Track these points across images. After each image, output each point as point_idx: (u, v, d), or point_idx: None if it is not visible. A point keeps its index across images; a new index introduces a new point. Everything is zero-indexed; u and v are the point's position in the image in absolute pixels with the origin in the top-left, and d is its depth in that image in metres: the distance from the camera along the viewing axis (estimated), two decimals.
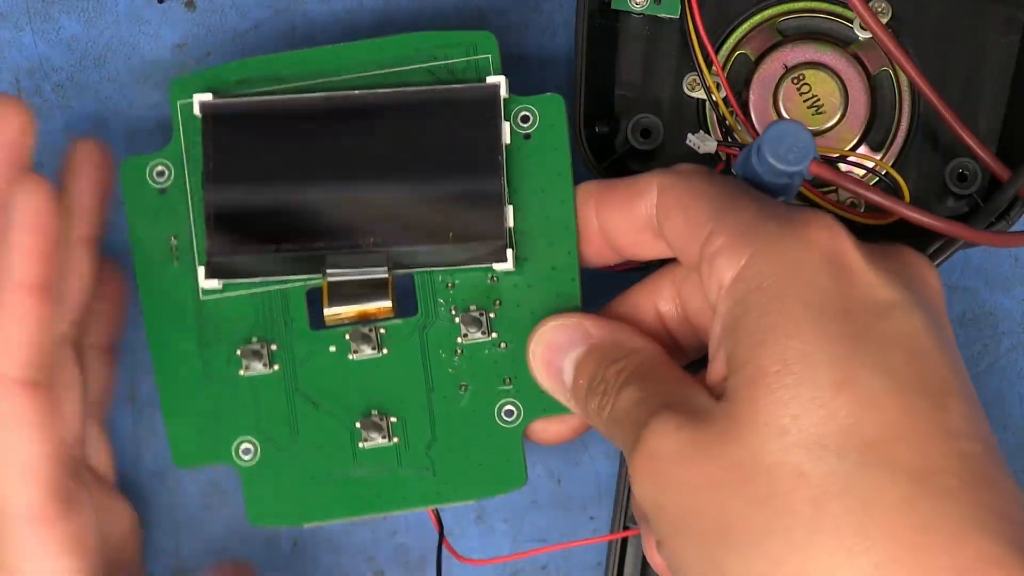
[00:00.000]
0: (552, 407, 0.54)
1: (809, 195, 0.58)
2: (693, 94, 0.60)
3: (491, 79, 0.54)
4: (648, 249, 0.53)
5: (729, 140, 0.59)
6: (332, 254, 0.53)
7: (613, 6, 0.59)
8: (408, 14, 0.62)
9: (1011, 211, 0.57)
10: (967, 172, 0.59)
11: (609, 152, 0.60)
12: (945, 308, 0.50)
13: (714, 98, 0.59)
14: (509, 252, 0.53)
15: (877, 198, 0.52)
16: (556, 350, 0.52)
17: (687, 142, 0.59)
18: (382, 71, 0.54)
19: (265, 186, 0.53)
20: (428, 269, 0.54)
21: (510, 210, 0.53)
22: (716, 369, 0.48)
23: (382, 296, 0.53)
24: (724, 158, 0.58)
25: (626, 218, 0.52)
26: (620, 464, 0.60)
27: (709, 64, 0.59)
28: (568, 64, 0.60)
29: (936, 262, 0.56)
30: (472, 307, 0.54)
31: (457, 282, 0.54)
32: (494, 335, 0.54)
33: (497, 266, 0.53)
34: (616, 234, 0.53)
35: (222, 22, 0.62)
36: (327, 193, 0.53)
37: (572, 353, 0.52)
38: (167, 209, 0.54)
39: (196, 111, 0.54)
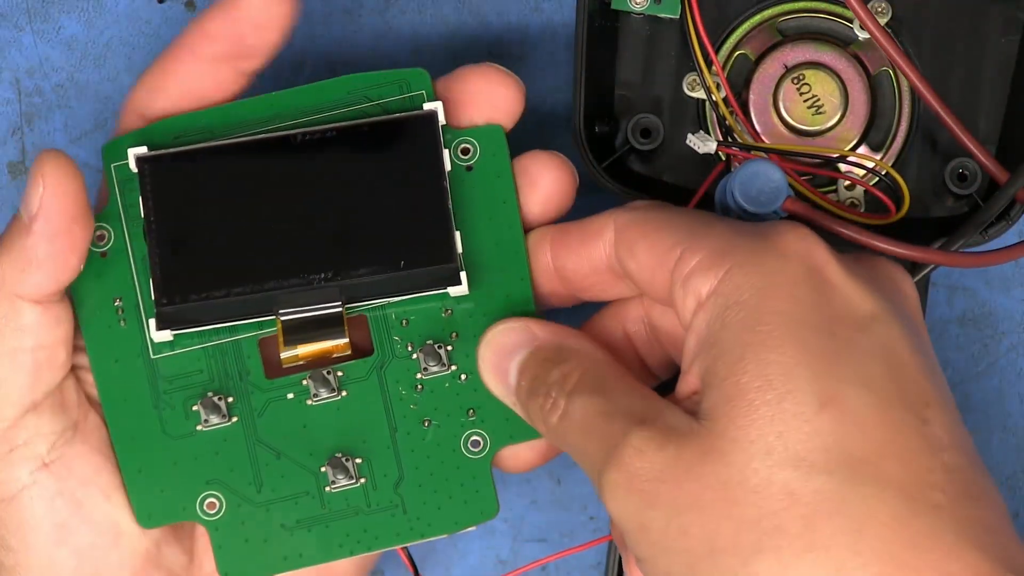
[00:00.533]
0: (519, 434, 0.54)
1: (809, 195, 0.58)
2: (693, 94, 0.60)
3: (428, 105, 0.53)
4: (609, 290, 0.53)
5: (729, 140, 0.59)
6: (284, 293, 0.53)
7: (613, 6, 0.59)
8: (408, 13, 0.62)
9: (1010, 212, 0.57)
10: (967, 172, 0.59)
11: (609, 152, 0.60)
12: (922, 316, 0.50)
13: (714, 98, 0.59)
14: (463, 275, 0.53)
15: (851, 233, 0.53)
16: (503, 354, 0.52)
17: (687, 142, 0.59)
18: (317, 116, 0.54)
19: (209, 231, 0.53)
20: (382, 303, 0.54)
21: (458, 235, 0.53)
22: (688, 383, 0.48)
23: (338, 332, 0.53)
24: (724, 158, 0.58)
25: (584, 260, 0.52)
26: None
27: (709, 64, 0.59)
28: (568, 64, 0.60)
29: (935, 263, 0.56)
30: (429, 342, 0.54)
31: (412, 318, 0.54)
32: (453, 367, 0.54)
33: (452, 291, 0.53)
34: (574, 277, 0.53)
35: None
36: (273, 232, 0.53)
37: (517, 356, 0.52)
38: (110, 272, 0.53)
39: (132, 166, 0.53)
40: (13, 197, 0.62)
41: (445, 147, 0.54)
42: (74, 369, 0.54)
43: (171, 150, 0.53)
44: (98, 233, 0.53)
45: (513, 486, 0.62)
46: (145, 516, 0.53)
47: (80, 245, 0.52)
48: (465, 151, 0.54)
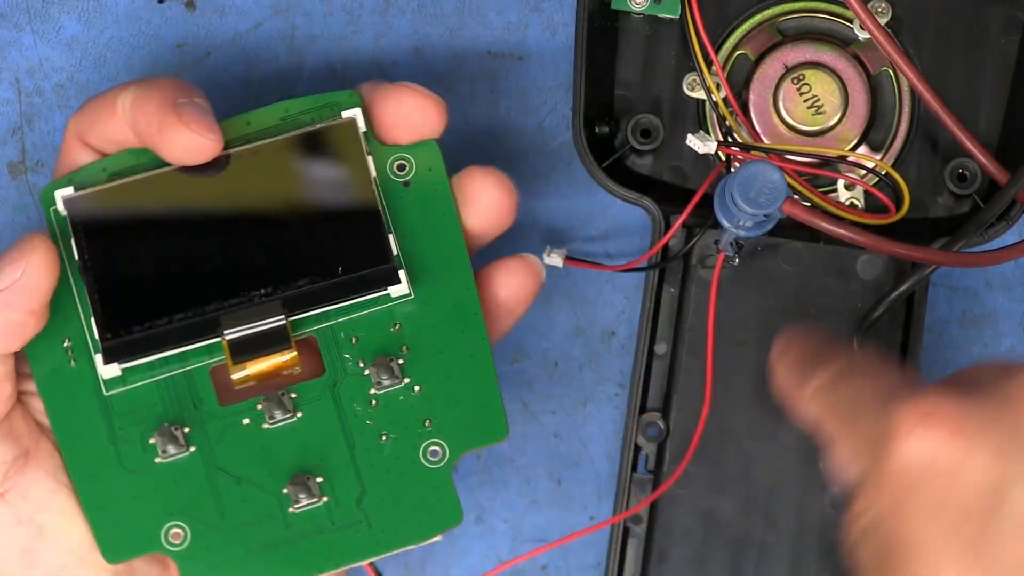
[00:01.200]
0: (477, 439, 0.54)
1: (809, 195, 0.58)
2: (693, 94, 0.60)
3: (346, 113, 0.54)
4: None
5: (729, 140, 0.59)
6: (226, 313, 0.53)
7: (613, 6, 0.59)
8: (408, 13, 0.62)
9: (1010, 213, 0.57)
10: (967, 172, 0.59)
11: (609, 152, 0.60)
12: None
13: (714, 98, 0.59)
14: (402, 273, 0.53)
15: (849, 234, 0.53)
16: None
17: (687, 142, 0.59)
18: (251, 145, 0.54)
19: (145, 261, 0.53)
20: (329, 321, 0.53)
21: (393, 237, 0.53)
22: None
23: (285, 346, 0.53)
24: (724, 158, 0.58)
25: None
26: (620, 464, 0.60)
27: (709, 64, 0.59)
28: (568, 64, 0.60)
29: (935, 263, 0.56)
30: (380, 356, 0.54)
31: (361, 335, 0.54)
32: (407, 380, 0.54)
33: (393, 291, 0.53)
34: None
35: (222, 22, 0.62)
36: (210, 254, 0.53)
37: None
38: (57, 314, 0.53)
39: (60, 208, 0.53)
40: (13, 197, 0.62)
41: (381, 163, 0.54)
42: (22, 396, 0.54)
43: (96, 188, 0.53)
44: None
45: (513, 486, 0.62)
46: (110, 551, 0.53)
47: (27, 335, 0.52)
48: (401, 167, 0.54)
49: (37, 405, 0.54)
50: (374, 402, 0.54)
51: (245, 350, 0.53)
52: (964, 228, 0.56)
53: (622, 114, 0.60)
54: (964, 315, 0.62)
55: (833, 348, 0.52)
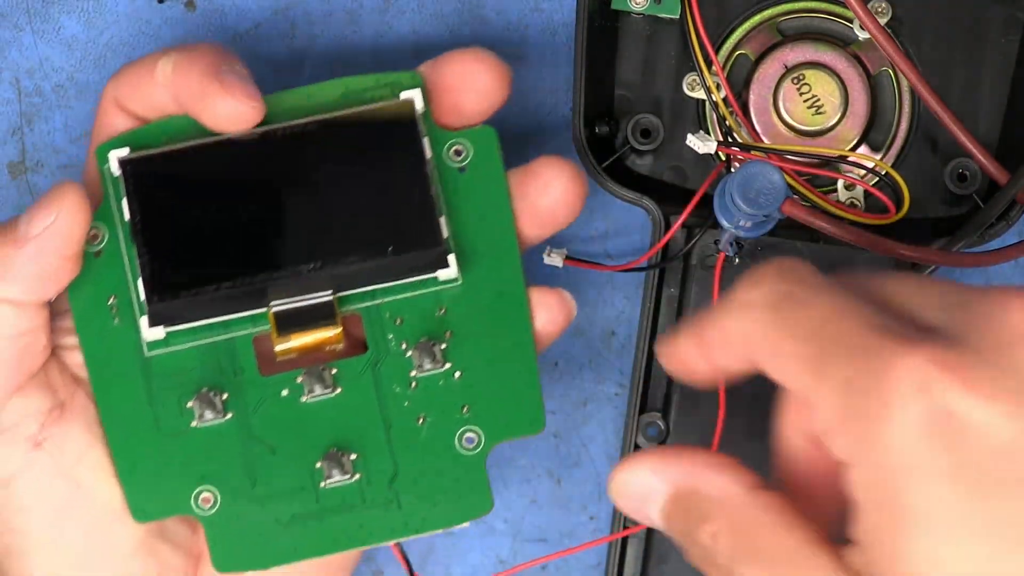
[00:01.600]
0: (514, 430, 0.54)
1: (809, 195, 0.58)
2: (693, 94, 0.60)
3: (405, 94, 0.54)
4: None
5: (729, 140, 0.59)
6: (274, 285, 0.53)
7: (613, 6, 0.59)
8: (408, 13, 0.62)
9: (1010, 213, 0.57)
10: (967, 172, 0.59)
11: (609, 152, 0.60)
12: None
13: (714, 98, 0.59)
14: (451, 258, 0.53)
15: (849, 235, 0.53)
16: (637, 501, 0.47)
17: (687, 142, 0.59)
18: (308, 119, 0.54)
19: (196, 227, 0.53)
20: (375, 299, 0.54)
21: (444, 220, 0.53)
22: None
23: (330, 321, 0.53)
24: (724, 158, 0.58)
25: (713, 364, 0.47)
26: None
27: (709, 64, 0.59)
28: (568, 64, 0.60)
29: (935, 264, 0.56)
30: (423, 339, 0.54)
31: (405, 316, 0.54)
32: (448, 365, 0.54)
33: (441, 275, 0.53)
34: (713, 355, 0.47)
35: (222, 22, 0.62)
36: (261, 225, 0.53)
37: (654, 504, 0.46)
38: (104, 270, 0.54)
39: (114, 169, 0.53)
40: (13, 197, 0.62)
41: (438, 147, 0.54)
42: (57, 349, 0.54)
43: (152, 151, 0.53)
44: (92, 232, 0.54)
45: (513, 486, 0.62)
46: (140, 511, 0.53)
47: (63, 281, 0.53)
48: (458, 152, 0.54)
49: (74, 359, 0.54)
50: (414, 384, 0.54)
51: (291, 323, 0.53)
52: (964, 228, 0.56)
53: (622, 114, 0.60)
54: None
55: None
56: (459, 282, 0.54)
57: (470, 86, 0.54)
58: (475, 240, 0.54)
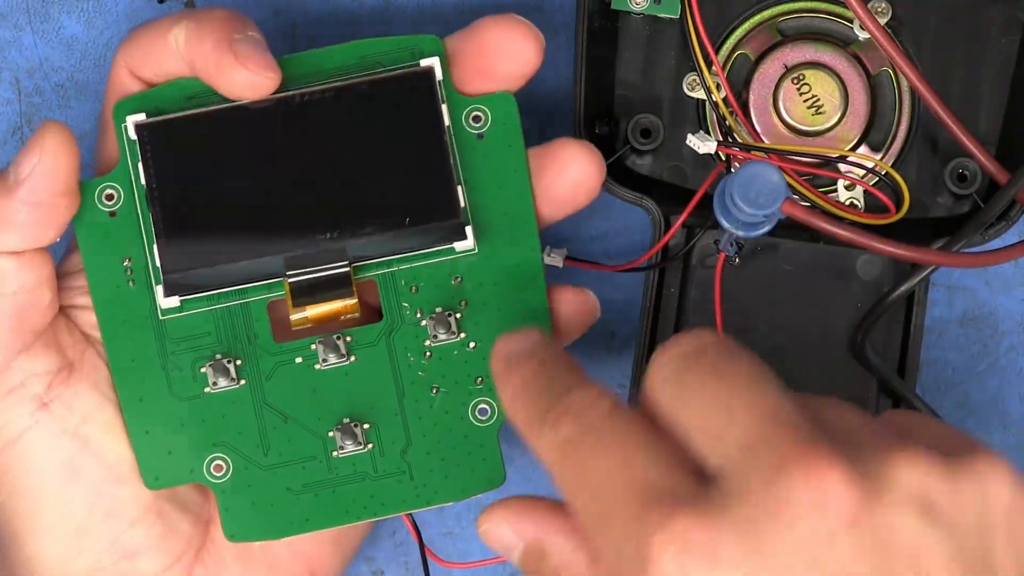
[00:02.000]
0: None
1: (809, 195, 0.58)
2: (693, 94, 0.60)
3: (425, 62, 0.54)
4: None
5: (729, 140, 0.59)
6: (290, 254, 0.53)
7: (613, 6, 0.59)
8: (408, 13, 0.62)
9: (1010, 213, 0.57)
10: (967, 172, 0.59)
11: (609, 152, 0.60)
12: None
13: (714, 98, 0.59)
14: (468, 229, 0.53)
15: (849, 235, 0.53)
16: (501, 550, 0.48)
17: (687, 142, 0.59)
18: (328, 81, 0.54)
19: (213, 196, 0.53)
20: (391, 267, 0.53)
21: (462, 190, 0.53)
22: None
23: (346, 292, 0.53)
24: (724, 158, 0.58)
25: None
26: None
27: (709, 64, 0.59)
28: (568, 64, 0.60)
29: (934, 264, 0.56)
30: (438, 309, 0.54)
31: (421, 284, 0.54)
32: (463, 335, 0.54)
33: (459, 246, 0.53)
34: None
35: None
36: (277, 194, 0.53)
37: (515, 553, 0.48)
38: (119, 232, 0.53)
39: (131, 133, 0.53)
40: None
41: (456, 114, 0.54)
42: (67, 309, 0.54)
43: (168, 116, 0.53)
44: (107, 192, 0.54)
45: (514, 486, 0.62)
46: (151, 477, 0.53)
47: (61, 219, 0.52)
48: (476, 119, 0.54)
49: (85, 319, 0.54)
50: (428, 354, 0.54)
51: (306, 293, 0.53)
52: (964, 228, 0.56)
53: (622, 114, 0.60)
54: (964, 315, 0.62)
55: (572, 380, 0.46)
56: (475, 252, 0.54)
57: (505, 50, 0.54)
58: (492, 209, 0.54)
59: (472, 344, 0.54)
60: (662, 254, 0.59)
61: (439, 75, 0.53)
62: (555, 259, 0.59)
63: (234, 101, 0.53)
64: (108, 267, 0.53)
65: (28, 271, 0.52)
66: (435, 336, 0.54)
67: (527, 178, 0.54)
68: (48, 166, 0.51)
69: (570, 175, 0.54)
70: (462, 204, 0.53)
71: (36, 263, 0.52)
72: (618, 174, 0.59)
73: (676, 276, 0.60)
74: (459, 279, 0.54)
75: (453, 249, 0.54)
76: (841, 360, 0.59)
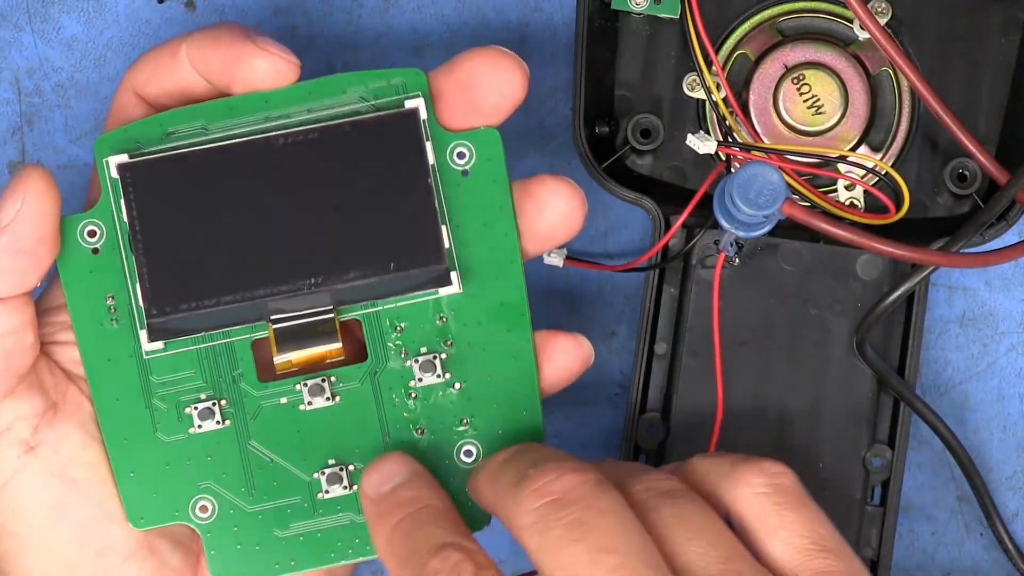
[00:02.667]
0: (512, 444, 0.53)
1: (809, 195, 0.58)
2: (693, 94, 0.60)
3: (409, 103, 0.53)
4: None
5: (729, 140, 0.59)
6: (274, 299, 0.52)
7: (613, 6, 0.59)
8: (408, 13, 0.62)
9: (1010, 213, 0.57)
10: (967, 172, 0.59)
11: (609, 152, 0.60)
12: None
13: (714, 98, 0.59)
14: (454, 275, 0.53)
15: (848, 235, 0.53)
16: None
17: (687, 142, 0.59)
18: (312, 115, 0.53)
19: (196, 239, 0.52)
20: (375, 309, 0.53)
21: (446, 231, 0.53)
22: None
23: (331, 337, 0.53)
24: (724, 158, 0.58)
25: None
26: None
27: (709, 64, 0.59)
28: (568, 64, 0.60)
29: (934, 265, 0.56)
30: (423, 349, 0.53)
31: (405, 324, 0.54)
32: (447, 376, 0.54)
33: (443, 291, 0.53)
34: None
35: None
36: (261, 237, 0.52)
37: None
38: (101, 269, 0.53)
39: (113, 173, 0.53)
40: None
41: (440, 150, 0.53)
42: (47, 346, 0.54)
43: (151, 156, 0.53)
44: (89, 229, 0.53)
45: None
46: (136, 517, 0.53)
47: (43, 265, 0.52)
48: (461, 155, 0.54)
49: (65, 355, 0.54)
50: (413, 395, 0.54)
51: (291, 339, 0.53)
52: (964, 228, 0.56)
53: (622, 114, 0.60)
54: (964, 315, 0.62)
55: (440, 535, 0.50)
56: (460, 291, 0.54)
57: (490, 83, 0.53)
58: (477, 247, 0.53)
59: (457, 385, 0.54)
60: (662, 254, 0.59)
61: (423, 115, 0.53)
62: (555, 259, 0.59)
63: (217, 142, 0.53)
64: (91, 305, 0.53)
65: (11, 316, 0.52)
66: (420, 379, 0.53)
67: (512, 215, 0.54)
68: (30, 212, 0.51)
69: (551, 212, 0.54)
70: (447, 245, 0.53)
71: (18, 307, 0.52)
72: (618, 174, 0.59)
73: (676, 276, 0.60)
74: (444, 318, 0.54)
75: (440, 297, 0.53)
76: (841, 360, 0.59)
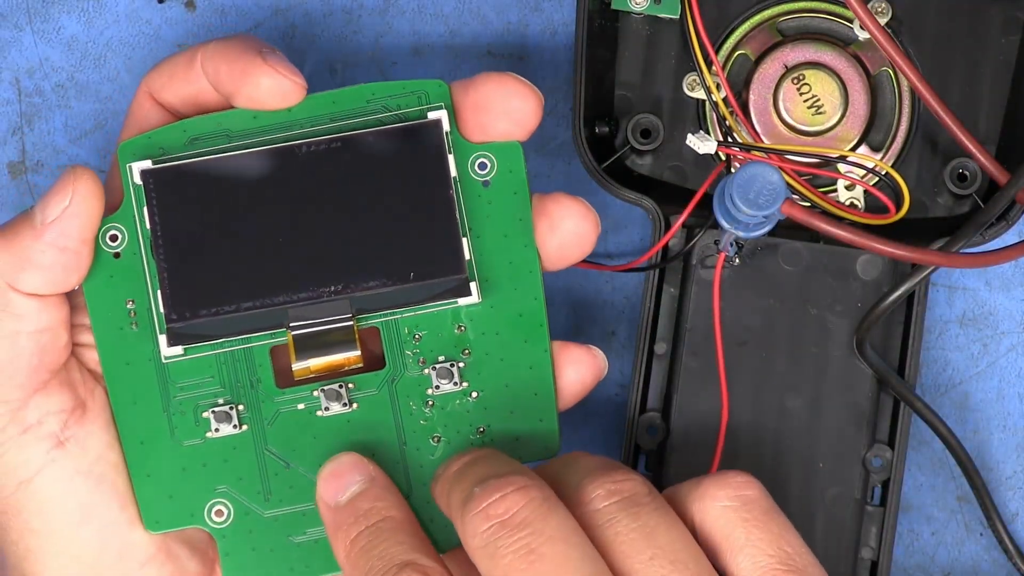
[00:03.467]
0: (528, 455, 0.54)
1: (809, 195, 0.58)
2: (693, 94, 0.60)
3: (432, 114, 0.53)
4: None
5: (729, 140, 0.59)
6: (294, 306, 0.52)
7: (613, 6, 0.59)
8: (408, 13, 0.62)
9: (1009, 213, 0.57)
10: (967, 172, 0.59)
11: (609, 152, 0.60)
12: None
13: (714, 98, 0.59)
14: (473, 285, 0.53)
15: (848, 235, 0.53)
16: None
17: (687, 142, 0.59)
18: (334, 124, 0.53)
19: (217, 244, 0.52)
20: (393, 317, 0.53)
21: (467, 243, 0.53)
22: None
23: (349, 345, 0.53)
24: (724, 158, 0.58)
25: None
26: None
27: (709, 64, 0.59)
28: (568, 64, 0.60)
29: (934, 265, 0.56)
30: (441, 358, 0.53)
31: (424, 332, 0.54)
32: (465, 384, 0.54)
33: (462, 301, 0.53)
34: None
35: (222, 22, 0.62)
36: (282, 245, 0.52)
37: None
38: (122, 273, 0.53)
39: (136, 179, 0.53)
40: (13, 197, 0.62)
41: (462, 161, 0.53)
42: (75, 346, 0.54)
43: (174, 163, 0.53)
44: (112, 233, 0.53)
45: None
46: (152, 521, 0.53)
47: (82, 268, 0.52)
48: (482, 166, 0.54)
49: (92, 356, 0.54)
50: (430, 403, 0.54)
51: (310, 346, 0.53)
52: (964, 228, 0.56)
53: (622, 114, 0.60)
54: (964, 315, 0.62)
55: (399, 552, 0.51)
56: (479, 301, 0.54)
57: (503, 109, 0.53)
58: (496, 258, 0.53)
59: (474, 394, 0.54)
60: (662, 254, 0.59)
61: (446, 126, 0.53)
62: None
63: (240, 149, 0.53)
64: (112, 308, 0.53)
65: (49, 312, 0.52)
66: (437, 387, 0.53)
67: (531, 228, 0.54)
68: (78, 211, 0.52)
69: (563, 231, 0.54)
70: (467, 256, 0.53)
71: (57, 304, 0.53)
72: (618, 174, 0.59)
73: (676, 276, 0.60)
74: (462, 327, 0.54)
75: (459, 306, 0.53)
76: (841, 360, 0.59)
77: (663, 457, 0.59)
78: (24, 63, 0.62)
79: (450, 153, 0.53)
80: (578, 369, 0.54)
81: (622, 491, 0.50)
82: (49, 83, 0.62)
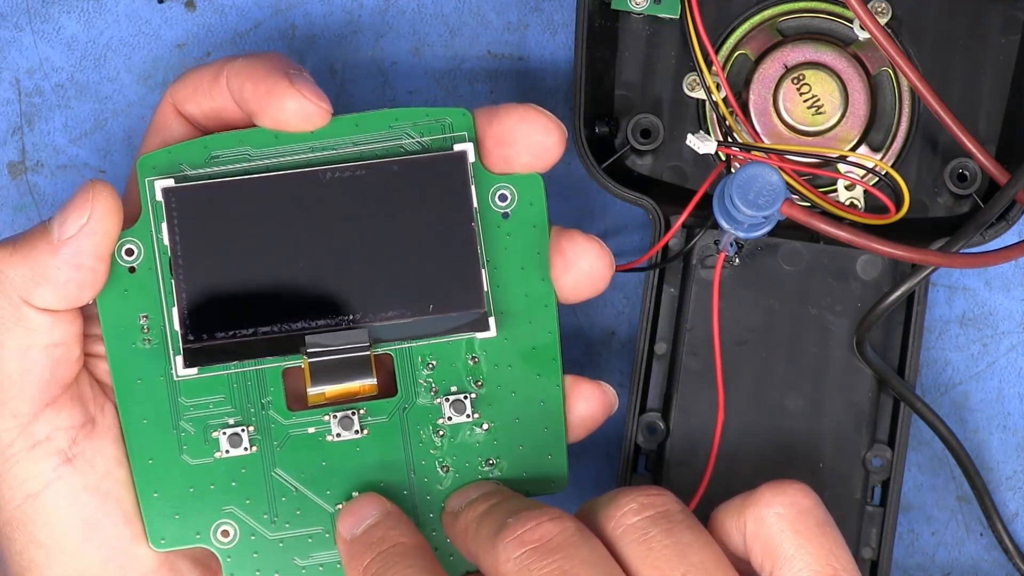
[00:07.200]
0: (536, 488, 0.54)
1: (809, 195, 0.58)
2: (693, 94, 0.60)
3: (458, 146, 0.53)
4: None
5: (729, 140, 0.59)
6: (311, 332, 0.52)
7: (613, 6, 0.59)
8: (408, 13, 0.62)
9: (1009, 213, 0.57)
10: (967, 172, 0.59)
11: (609, 152, 0.60)
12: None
13: (714, 98, 0.59)
14: (491, 320, 0.53)
15: (848, 236, 0.53)
16: None
17: (687, 142, 0.59)
18: (357, 148, 0.53)
19: (237, 268, 0.52)
20: (408, 345, 0.53)
21: (485, 274, 0.53)
22: None
23: (365, 373, 0.53)
24: (724, 158, 0.58)
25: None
26: (620, 464, 0.60)
27: (709, 64, 0.59)
28: (568, 64, 0.60)
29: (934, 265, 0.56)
30: (453, 388, 0.53)
31: (437, 362, 0.53)
32: (476, 415, 0.54)
33: (480, 335, 0.53)
34: None
35: (222, 22, 0.62)
36: (302, 270, 0.52)
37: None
38: (137, 287, 0.53)
39: (158, 196, 0.53)
40: (13, 197, 0.62)
41: (483, 191, 0.53)
42: (87, 356, 0.54)
43: (197, 183, 0.53)
44: (128, 247, 0.53)
45: None
46: (157, 539, 0.53)
47: (98, 284, 0.52)
48: (503, 197, 0.54)
49: (103, 367, 0.54)
50: (441, 432, 0.54)
51: (326, 373, 0.53)
52: (964, 228, 0.56)
53: (622, 114, 0.60)
54: (964, 315, 0.62)
55: None
56: (495, 335, 0.54)
57: (526, 142, 0.53)
58: (512, 289, 0.53)
59: (485, 426, 0.54)
60: (662, 254, 0.59)
61: (471, 158, 0.53)
62: None
63: (259, 163, 0.53)
64: (124, 324, 0.53)
65: (62, 328, 0.52)
66: (448, 417, 0.53)
67: (548, 260, 0.54)
68: (96, 228, 0.51)
69: (578, 269, 0.54)
70: (485, 287, 0.53)
71: (70, 320, 0.52)
72: (618, 174, 0.59)
73: (676, 276, 0.60)
74: (476, 358, 0.54)
75: (473, 348, 0.53)
76: (841, 360, 0.59)
77: (663, 457, 0.59)
78: (24, 63, 0.62)
79: (472, 185, 0.53)
80: (588, 405, 0.54)
81: (655, 505, 0.50)
82: (49, 83, 0.62)
